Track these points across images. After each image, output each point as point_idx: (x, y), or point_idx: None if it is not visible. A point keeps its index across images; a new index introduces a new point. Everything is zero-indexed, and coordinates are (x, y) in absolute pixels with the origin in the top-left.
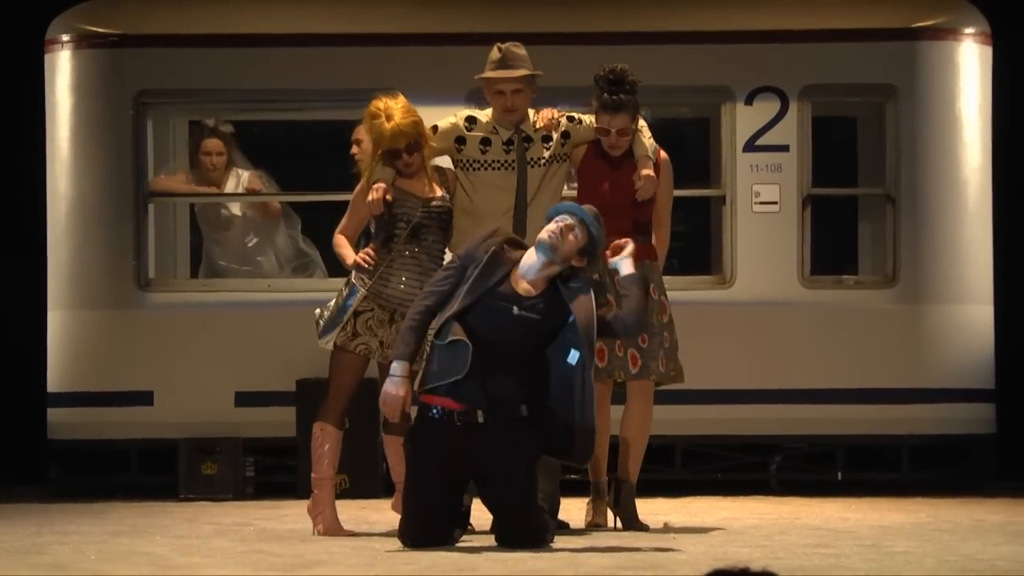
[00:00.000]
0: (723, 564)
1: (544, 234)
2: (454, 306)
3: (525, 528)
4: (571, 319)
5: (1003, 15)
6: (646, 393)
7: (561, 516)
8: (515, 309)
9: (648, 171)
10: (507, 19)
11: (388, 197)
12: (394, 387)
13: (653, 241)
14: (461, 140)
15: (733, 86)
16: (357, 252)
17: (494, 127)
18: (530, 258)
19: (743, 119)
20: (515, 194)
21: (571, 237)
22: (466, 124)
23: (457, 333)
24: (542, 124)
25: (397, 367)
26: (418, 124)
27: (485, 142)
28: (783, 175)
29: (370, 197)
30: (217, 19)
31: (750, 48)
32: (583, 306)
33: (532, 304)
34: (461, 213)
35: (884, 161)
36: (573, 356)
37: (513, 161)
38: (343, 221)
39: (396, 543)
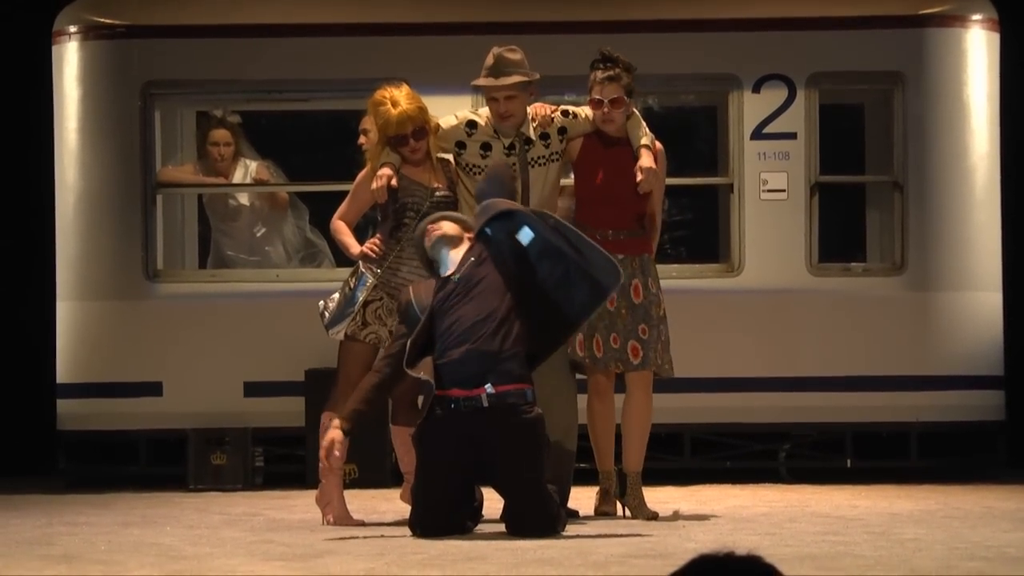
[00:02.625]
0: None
1: (424, 239)
2: (418, 333)
3: (535, 516)
4: (488, 230)
5: (1010, 1)
6: (646, 383)
7: (571, 504)
8: (457, 275)
9: (650, 163)
10: (512, 8)
11: (392, 183)
12: (324, 433)
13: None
14: (461, 144)
15: (740, 74)
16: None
17: (495, 131)
18: (442, 263)
19: (750, 107)
20: (519, 197)
21: (441, 226)
22: (466, 129)
23: (424, 368)
24: (538, 123)
25: (334, 420)
26: (424, 110)
27: (486, 147)
28: (791, 163)
29: (375, 185)
30: (224, 10)
31: (757, 36)
32: (491, 202)
33: (464, 260)
34: (469, 212)
35: (892, 148)
36: (524, 235)
37: (515, 164)
38: (343, 207)
39: (406, 532)
